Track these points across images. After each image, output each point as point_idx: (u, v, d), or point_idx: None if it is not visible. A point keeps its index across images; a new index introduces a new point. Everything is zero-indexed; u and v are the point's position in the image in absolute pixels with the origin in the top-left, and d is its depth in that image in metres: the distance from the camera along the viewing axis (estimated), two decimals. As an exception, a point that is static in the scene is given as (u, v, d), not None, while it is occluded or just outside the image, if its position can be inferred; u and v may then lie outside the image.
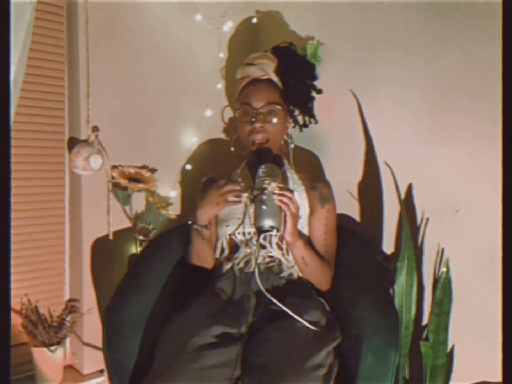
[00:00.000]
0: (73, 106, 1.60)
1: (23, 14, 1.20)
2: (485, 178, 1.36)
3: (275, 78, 1.44)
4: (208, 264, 1.40)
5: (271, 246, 1.32)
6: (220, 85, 1.85)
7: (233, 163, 1.51)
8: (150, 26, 1.69)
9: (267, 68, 1.44)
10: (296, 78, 1.45)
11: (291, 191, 1.21)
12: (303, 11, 1.78)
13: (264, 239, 1.32)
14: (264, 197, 1.17)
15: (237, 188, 1.24)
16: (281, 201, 1.17)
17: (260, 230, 1.18)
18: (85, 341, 1.63)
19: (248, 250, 1.33)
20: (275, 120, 1.38)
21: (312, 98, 1.51)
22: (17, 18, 1.18)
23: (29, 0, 1.21)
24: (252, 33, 1.91)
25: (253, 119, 1.36)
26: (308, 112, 1.49)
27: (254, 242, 1.31)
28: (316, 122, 1.52)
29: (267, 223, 1.16)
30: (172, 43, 1.75)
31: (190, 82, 1.80)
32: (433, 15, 1.45)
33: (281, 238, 1.32)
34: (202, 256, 1.38)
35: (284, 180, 1.37)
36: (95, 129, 1.59)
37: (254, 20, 1.89)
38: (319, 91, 1.52)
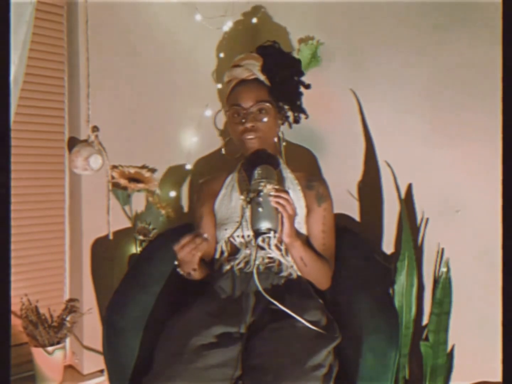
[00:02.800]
0: (73, 106, 1.60)
1: (23, 14, 1.20)
2: (485, 178, 1.36)
3: (262, 77, 1.43)
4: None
5: (269, 248, 1.32)
6: (220, 85, 1.85)
7: (231, 164, 1.50)
8: (150, 26, 1.70)
9: (253, 68, 1.43)
10: (282, 74, 1.44)
11: (287, 192, 1.20)
12: (303, 11, 1.78)
13: (263, 241, 1.32)
14: (260, 199, 1.16)
15: (192, 242, 1.17)
16: (277, 202, 1.17)
17: (257, 233, 1.17)
18: (85, 341, 1.63)
19: (248, 252, 1.33)
20: (266, 119, 1.37)
21: (301, 94, 1.50)
22: (17, 18, 1.18)
23: (29, 0, 1.21)
24: (252, 33, 1.91)
25: (244, 120, 1.36)
26: (298, 107, 1.49)
27: (253, 244, 1.31)
28: (306, 117, 1.50)
29: (264, 225, 1.16)
30: (172, 43, 1.75)
31: (190, 82, 1.80)
32: (434, 15, 1.45)
33: (280, 240, 1.32)
34: (195, 279, 1.35)
35: (281, 180, 1.37)
36: (95, 129, 1.59)
37: (254, 20, 1.89)
38: (308, 86, 1.50)
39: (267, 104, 1.38)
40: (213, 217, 1.43)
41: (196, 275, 1.31)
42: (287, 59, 1.51)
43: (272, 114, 1.40)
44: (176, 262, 1.28)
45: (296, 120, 1.50)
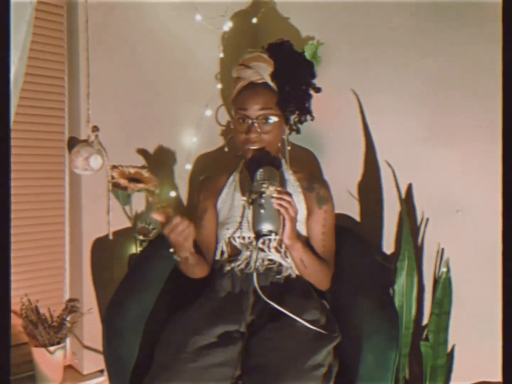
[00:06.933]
0: (73, 106, 1.60)
1: (23, 14, 1.20)
2: (485, 178, 1.36)
3: (272, 83, 1.42)
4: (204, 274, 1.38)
5: (269, 250, 1.32)
6: (220, 85, 1.85)
7: (232, 162, 1.50)
8: (150, 26, 1.70)
9: (263, 72, 1.40)
10: (293, 82, 1.42)
11: (290, 194, 1.19)
12: (303, 11, 1.78)
13: (263, 243, 1.32)
14: (263, 201, 1.15)
15: (179, 221, 1.12)
16: (279, 204, 1.16)
17: (258, 234, 1.17)
18: (86, 341, 1.63)
19: (249, 253, 1.33)
20: (271, 128, 1.35)
21: (310, 96, 1.49)
22: (17, 18, 1.18)
23: (29, 0, 1.21)
24: (252, 33, 1.91)
25: (249, 130, 1.33)
26: (305, 109, 1.47)
27: (254, 246, 1.31)
28: (312, 119, 1.49)
29: (266, 227, 1.15)
30: (172, 43, 1.75)
31: (190, 82, 1.80)
32: (434, 15, 1.45)
33: (280, 242, 1.31)
34: (195, 275, 1.35)
35: (282, 182, 1.36)
36: (95, 129, 1.59)
37: (254, 20, 1.89)
38: (318, 90, 1.50)
39: (274, 115, 1.35)
40: (215, 213, 1.42)
41: (194, 260, 1.24)
42: (299, 62, 1.48)
43: (277, 123, 1.37)
44: (171, 250, 1.21)
45: (301, 121, 1.49)
